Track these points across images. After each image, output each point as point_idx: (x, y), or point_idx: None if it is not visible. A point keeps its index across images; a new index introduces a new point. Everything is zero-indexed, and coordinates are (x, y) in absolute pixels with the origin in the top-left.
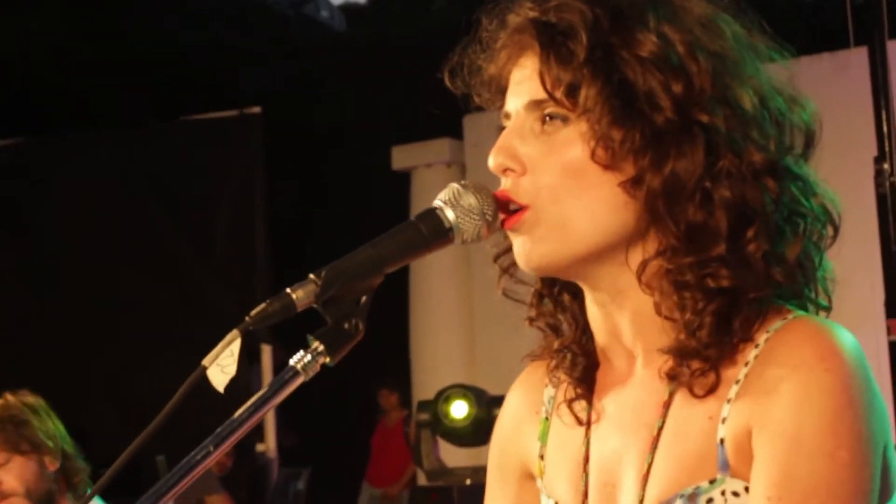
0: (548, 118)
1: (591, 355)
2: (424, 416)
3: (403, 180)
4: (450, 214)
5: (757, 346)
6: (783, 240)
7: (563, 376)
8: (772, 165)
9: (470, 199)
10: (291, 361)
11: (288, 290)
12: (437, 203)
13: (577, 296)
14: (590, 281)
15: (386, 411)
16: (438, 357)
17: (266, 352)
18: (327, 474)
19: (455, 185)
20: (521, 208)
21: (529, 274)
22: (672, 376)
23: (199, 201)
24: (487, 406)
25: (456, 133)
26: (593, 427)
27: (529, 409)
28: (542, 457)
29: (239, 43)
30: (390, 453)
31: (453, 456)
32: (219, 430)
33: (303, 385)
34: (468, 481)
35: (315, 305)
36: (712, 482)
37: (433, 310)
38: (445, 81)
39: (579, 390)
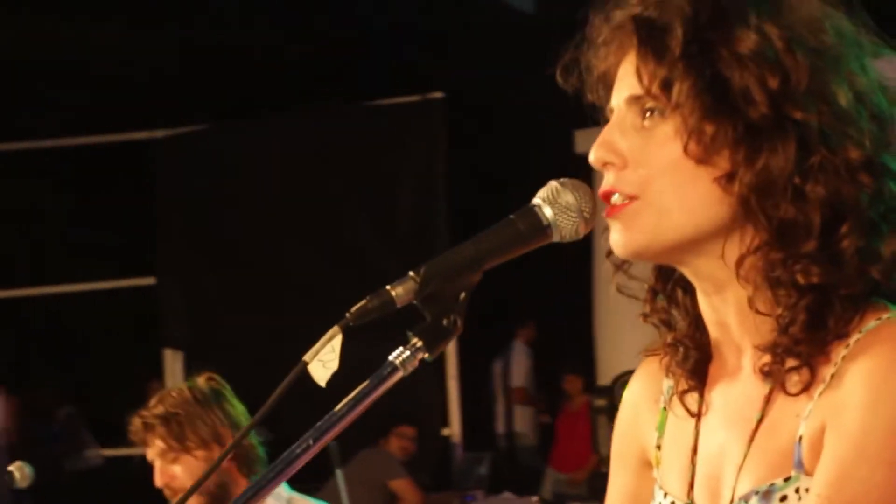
0: (648, 113)
1: (703, 349)
2: (601, 402)
3: (586, 164)
4: (548, 212)
5: (847, 346)
6: (879, 237)
7: (676, 369)
8: (868, 161)
9: (568, 197)
10: (391, 357)
11: (388, 287)
12: (535, 201)
13: (689, 290)
14: (691, 270)
15: (570, 396)
16: (622, 342)
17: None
18: (511, 458)
19: (554, 183)
20: (627, 199)
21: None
22: (767, 373)
23: (383, 184)
24: None
25: None
26: (703, 419)
27: (649, 399)
28: (658, 447)
29: (424, 26)
30: (575, 438)
31: None
32: (319, 423)
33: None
34: None
35: (414, 302)
36: (787, 480)
37: (617, 295)
38: (557, 79)
39: (691, 382)
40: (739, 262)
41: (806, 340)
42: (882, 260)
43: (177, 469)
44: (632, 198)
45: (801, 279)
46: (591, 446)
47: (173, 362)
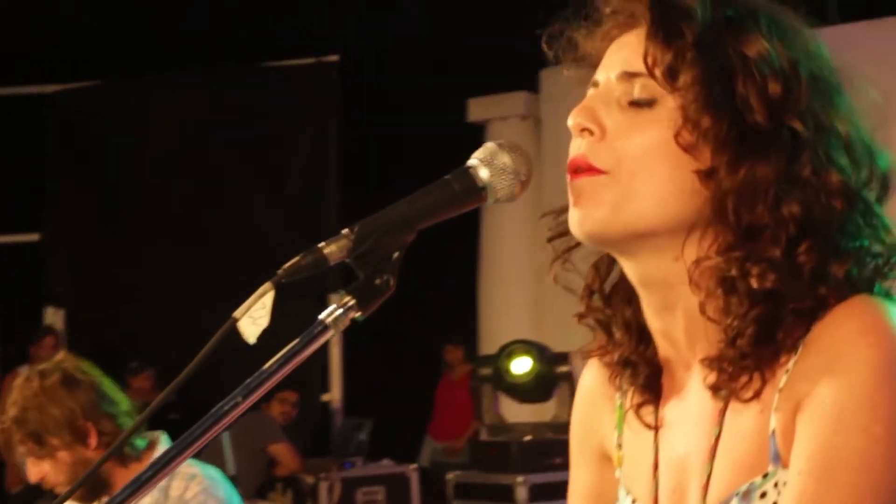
0: (639, 92)
1: (652, 362)
2: (486, 371)
3: (478, 132)
4: (483, 173)
5: (808, 331)
6: (836, 261)
7: (625, 384)
8: (846, 189)
9: (504, 159)
10: (321, 316)
11: (321, 244)
12: (471, 161)
13: (632, 302)
14: (643, 272)
15: (451, 366)
16: (506, 313)
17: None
18: (390, 426)
19: (490, 144)
20: (597, 171)
21: (582, 265)
22: (716, 388)
23: (275, 146)
24: (550, 362)
25: (532, 87)
26: (661, 432)
27: (606, 392)
28: (619, 446)
29: None
30: (454, 408)
31: (514, 411)
32: (248, 381)
33: (369, 337)
34: (528, 437)
35: (347, 260)
36: (765, 476)
37: (503, 265)
38: (543, 47)
39: (645, 396)
40: (696, 263)
41: (752, 354)
42: (833, 282)
43: (46, 466)
44: (601, 172)
45: (755, 283)
46: (472, 414)
47: (55, 319)
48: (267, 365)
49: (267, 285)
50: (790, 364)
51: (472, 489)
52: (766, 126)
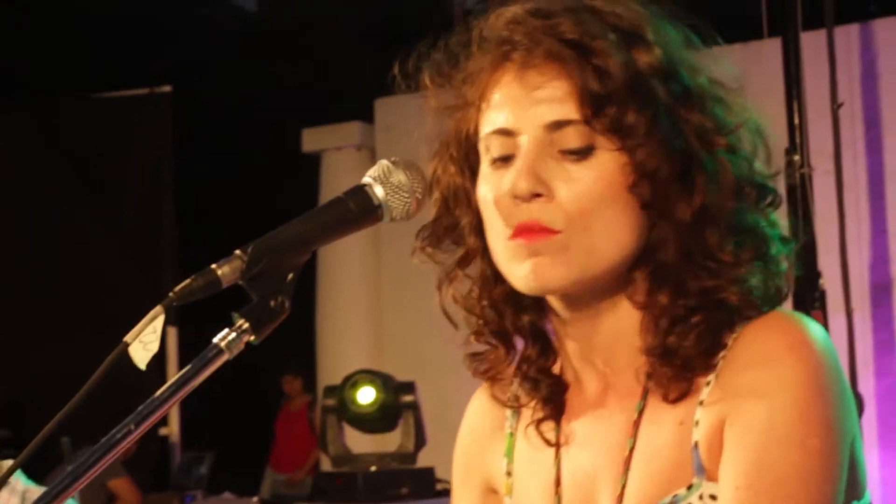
0: (573, 152)
1: (554, 377)
2: (331, 402)
3: (314, 163)
4: (378, 191)
5: (726, 345)
6: (761, 269)
7: (526, 399)
8: (762, 189)
9: (400, 177)
10: (215, 339)
11: (213, 265)
12: (366, 180)
13: (531, 312)
14: (575, 302)
15: (290, 397)
16: (345, 342)
17: (171, 334)
18: (231, 459)
19: (385, 162)
20: (552, 233)
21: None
22: (650, 375)
23: (109, 178)
24: (395, 392)
25: (366, 117)
26: (563, 449)
27: (494, 423)
28: (509, 473)
29: (150, 20)
30: (294, 439)
31: (359, 442)
32: (140, 408)
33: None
34: (373, 468)
35: (240, 282)
36: (689, 488)
37: (341, 295)
38: (396, 75)
39: (547, 411)
40: (643, 277)
41: (698, 354)
42: (753, 286)
43: None
44: (556, 232)
45: (695, 291)
46: (315, 446)
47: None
48: (159, 392)
49: (157, 309)
50: (711, 377)
51: None
52: (704, 152)
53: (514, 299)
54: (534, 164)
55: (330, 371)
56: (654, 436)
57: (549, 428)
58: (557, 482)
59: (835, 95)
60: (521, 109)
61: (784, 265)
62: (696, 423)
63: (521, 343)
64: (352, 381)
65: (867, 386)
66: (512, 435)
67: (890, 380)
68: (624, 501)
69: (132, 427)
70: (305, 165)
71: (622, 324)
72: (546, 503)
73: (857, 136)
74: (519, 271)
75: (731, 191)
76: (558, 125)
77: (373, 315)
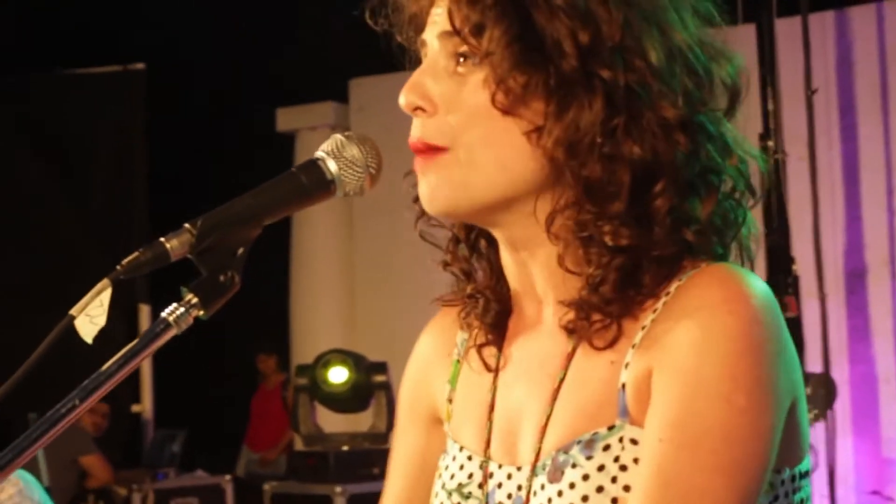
0: (461, 58)
1: (504, 301)
2: (303, 381)
3: (287, 143)
4: (332, 166)
5: (668, 293)
6: (696, 198)
7: (474, 321)
8: (682, 121)
9: (353, 151)
10: (163, 314)
11: (162, 239)
12: (319, 154)
13: (493, 242)
14: (500, 229)
15: (265, 375)
16: (319, 321)
17: (144, 311)
18: (205, 437)
19: (338, 136)
20: (437, 150)
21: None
22: (571, 330)
23: (79, 156)
24: (367, 372)
25: (341, 97)
26: (501, 374)
27: (441, 352)
28: (450, 400)
29: None
30: (268, 417)
31: (331, 421)
32: (85, 382)
33: (183, 346)
34: (345, 447)
35: (190, 256)
36: (611, 428)
37: (314, 274)
38: (367, 20)
39: (490, 336)
40: (550, 221)
41: (616, 300)
42: (697, 222)
43: None
44: (441, 149)
45: (609, 241)
46: (286, 425)
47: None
48: (106, 366)
49: (104, 282)
50: (647, 321)
51: (289, 500)
52: (580, 74)
53: (469, 227)
54: (423, 80)
55: (303, 350)
56: (586, 370)
57: (490, 353)
58: (491, 408)
59: (809, 82)
60: (429, 23)
61: (748, 232)
62: (626, 364)
63: (481, 273)
64: (324, 360)
65: (841, 372)
66: (458, 362)
67: (864, 367)
68: (546, 432)
69: (77, 402)
70: (279, 145)
71: (551, 257)
72: (479, 429)
73: (832, 122)
74: (421, 196)
75: (662, 126)
76: (447, 35)
77: (346, 294)
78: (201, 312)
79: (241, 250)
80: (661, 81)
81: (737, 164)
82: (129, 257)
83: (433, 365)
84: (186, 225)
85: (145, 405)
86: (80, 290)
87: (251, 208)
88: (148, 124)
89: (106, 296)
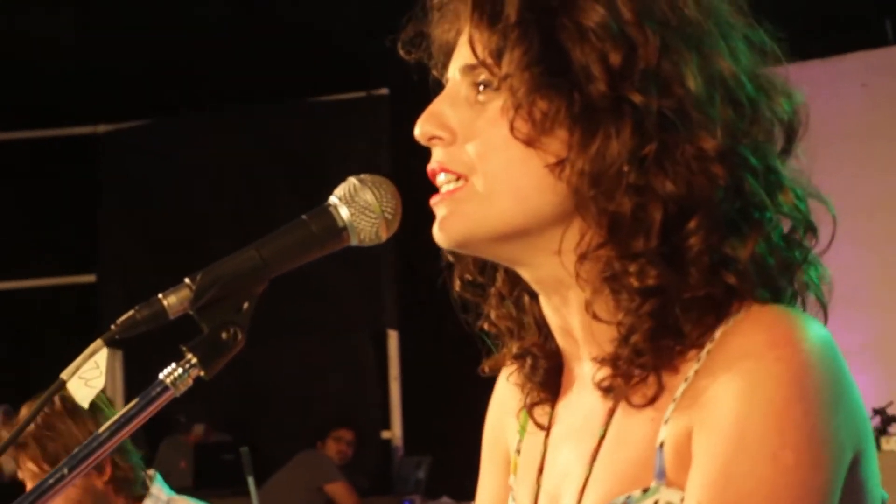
0: (482, 86)
1: (553, 357)
2: None
3: None
4: (344, 212)
5: (712, 340)
6: (737, 236)
7: (525, 382)
8: (721, 151)
9: (367, 196)
10: (161, 375)
11: (160, 295)
12: (331, 199)
13: (535, 295)
14: (525, 269)
15: None
16: None
17: None
18: (451, 463)
19: (352, 180)
20: (455, 179)
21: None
22: (606, 389)
23: (325, 182)
24: None
25: None
26: (551, 433)
27: (516, 397)
28: (518, 451)
29: (368, 23)
30: None
31: None
32: (76, 450)
33: (431, 372)
34: None
35: (190, 312)
36: (645, 491)
37: None
38: (400, 54)
39: (542, 394)
40: (578, 261)
41: (649, 350)
42: (739, 262)
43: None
44: (460, 177)
45: (635, 282)
46: None
47: (112, 361)
48: (101, 429)
49: (97, 343)
50: (690, 373)
51: None
52: (609, 100)
53: (512, 283)
54: (441, 109)
55: None
56: (626, 428)
57: (542, 412)
58: (540, 470)
59: None
60: (454, 57)
61: (814, 276)
62: (666, 421)
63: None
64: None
65: None
66: (528, 412)
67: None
68: (584, 495)
69: (65, 472)
70: None
71: (582, 303)
72: (530, 491)
73: None
74: (434, 229)
75: (698, 157)
76: (469, 69)
77: None
78: (202, 373)
79: (245, 305)
80: (699, 110)
81: (793, 202)
82: (125, 316)
83: (508, 412)
84: (186, 280)
85: (395, 431)
86: (328, 317)
87: (254, 260)
88: (393, 147)
89: (101, 357)
